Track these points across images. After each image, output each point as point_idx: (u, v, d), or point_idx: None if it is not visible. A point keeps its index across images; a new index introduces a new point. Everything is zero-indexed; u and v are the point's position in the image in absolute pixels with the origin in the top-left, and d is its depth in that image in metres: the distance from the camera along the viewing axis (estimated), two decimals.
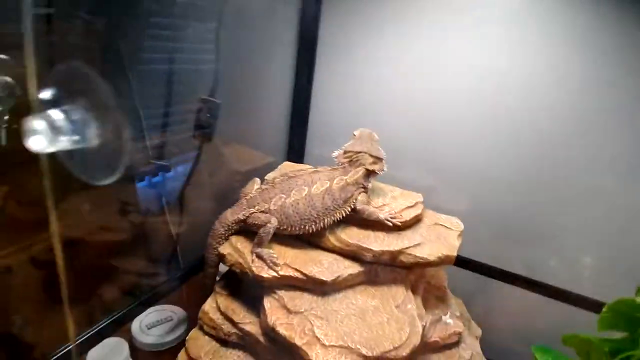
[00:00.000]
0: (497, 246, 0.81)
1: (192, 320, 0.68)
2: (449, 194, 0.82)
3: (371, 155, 0.63)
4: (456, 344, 0.62)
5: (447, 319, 0.64)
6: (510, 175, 0.79)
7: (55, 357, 0.48)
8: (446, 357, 0.60)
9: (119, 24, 0.65)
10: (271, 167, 0.76)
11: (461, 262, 0.80)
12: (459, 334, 0.62)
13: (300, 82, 0.89)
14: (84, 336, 0.50)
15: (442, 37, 0.79)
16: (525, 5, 0.73)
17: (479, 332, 0.72)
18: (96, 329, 0.51)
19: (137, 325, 0.66)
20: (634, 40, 0.66)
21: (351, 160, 0.64)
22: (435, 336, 0.60)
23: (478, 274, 0.79)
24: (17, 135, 0.39)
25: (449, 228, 0.66)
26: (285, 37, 0.89)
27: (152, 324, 0.67)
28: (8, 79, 0.43)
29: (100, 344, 0.56)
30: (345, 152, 0.65)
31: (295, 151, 0.88)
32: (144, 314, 0.67)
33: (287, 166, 0.76)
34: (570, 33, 0.71)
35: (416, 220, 0.65)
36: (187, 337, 0.58)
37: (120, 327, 0.55)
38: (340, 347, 0.48)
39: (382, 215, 0.61)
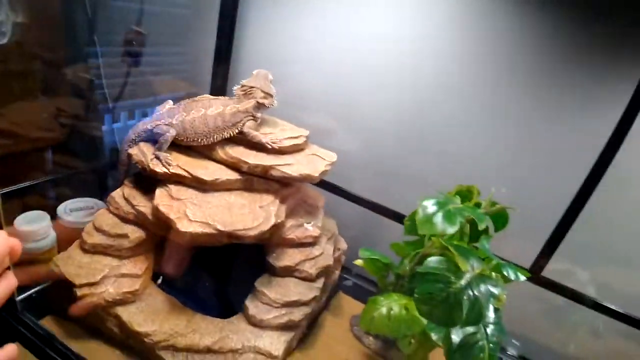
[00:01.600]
0: (377, 183, 0.99)
1: None
2: (344, 137, 0.99)
3: (262, 91, 0.78)
4: (311, 244, 0.80)
5: (308, 226, 0.81)
6: (392, 126, 0.95)
7: None
8: (300, 251, 0.78)
9: None
10: (192, 96, 0.90)
11: (343, 192, 0.98)
12: (315, 237, 0.80)
13: (225, 24, 1.00)
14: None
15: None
16: None
17: (344, 245, 0.91)
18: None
19: (63, 207, 0.82)
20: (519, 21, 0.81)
21: (245, 93, 0.78)
22: (292, 235, 0.78)
23: (356, 204, 0.98)
24: None
25: (322, 158, 0.82)
26: None
27: (75, 209, 0.83)
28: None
29: (25, 213, 0.72)
30: (242, 86, 0.79)
31: (218, 87, 1.02)
32: (69, 200, 0.83)
33: (203, 97, 0.90)
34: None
35: (296, 149, 0.81)
36: (96, 214, 0.74)
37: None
38: (202, 222, 0.65)
39: (265, 139, 0.76)
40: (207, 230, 0.65)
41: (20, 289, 0.71)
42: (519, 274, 0.64)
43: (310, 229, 0.81)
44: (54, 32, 0.87)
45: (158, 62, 0.92)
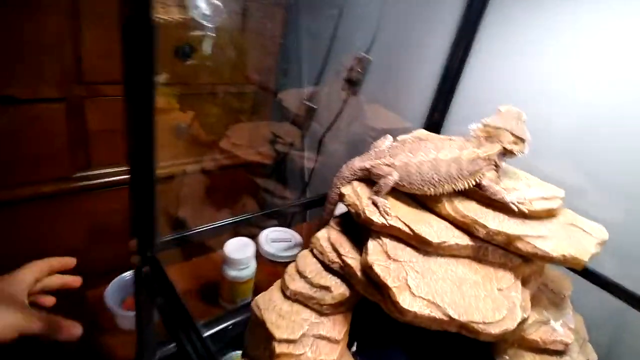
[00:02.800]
0: None
1: (306, 247, 0.78)
2: (598, 199, 0.71)
3: (513, 134, 0.60)
4: (559, 353, 0.57)
5: (556, 325, 0.58)
6: None
7: (200, 230, 0.63)
8: None
9: None
10: (406, 131, 0.78)
11: (597, 279, 0.70)
12: (566, 344, 0.56)
13: (454, 58, 0.87)
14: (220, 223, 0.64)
15: (612, 35, 0.67)
16: None
17: (594, 357, 0.64)
18: (236, 221, 0.65)
19: (264, 236, 0.79)
20: None
21: (488, 135, 0.61)
22: (536, 336, 0.56)
23: (614, 296, 0.68)
24: None
25: (587, 232, 0.59)
26: (448, 8, 0.87)
27: (274, 239, 0.79)
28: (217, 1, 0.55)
29: (235, 238, 0.70)
30: (484, 126, 0.63)
31: (434, 123, 0.87)
32: (270, 229, 0.80)
33: (422, 133, 0.77)
34: None
35: (548, 215, 0.60)
36: (298, 255, 0.67)
37: (249, 226, 0.68)
38: (429, 301, 0.50)
39: (509, 197, 0.58)
40: (435, 313, 0.49)
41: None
42: None
43: (560, 330, 0.58)
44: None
45: (376, 91, 0.83)
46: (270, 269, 0.76)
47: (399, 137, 0.73)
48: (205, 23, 0.57)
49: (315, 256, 0.66)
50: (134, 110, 0.45)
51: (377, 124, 0.81)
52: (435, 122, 0.87)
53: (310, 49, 0.89)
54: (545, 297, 0.61)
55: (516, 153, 0.60)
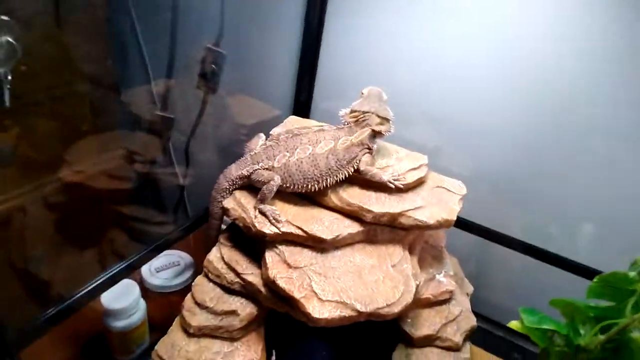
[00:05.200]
0: (497, 209, 0.82)
1: (199, 265, 0.72)
2: (455, 155, 0.82)
3: (378, 116, 0.62)
4: (447, 300, 0.65)
5: (440, 277, 0.66)
6: (518, 139, 0.77)
7: (72, 299, 0.52)
8: (437, 312, 0.64)
9: None
10: (277, 121, 0.75)
11: (460, 223, 0.82)
12: (451, 292, 0.65)
13: (309, 34, 0.85)
14: (97, 280, 0.54)
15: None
16: None
17: (470, 289, 0.75)
18: (109, 274, 0.55)
19: (147, 269, 0.70)
20: None
21: (357, 120, 0.63)
22: (427, 293, 0.63)
23: (476, 235, 0.81)
24: None
25: (451, 191, 0.66)
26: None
27: (160, 268, 0.71)
28: (9, 39, 0.41)
29: (114, 286, 0.60)
30: (351, 111, 0.63)
31: (302, 105, 0.86)
32: (154, 259, 0.71)
33: (293, 121, 0.75)
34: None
35: (419, 183, 0.65)
36: (193, 283, 0.61)
37: (131, 271, 0.59)
38: (337, 302, 0.51)
39: (385, 177, 0.61)
40: (345, 312, 0.51)
41: None
42: None
43: (444, 280, 0.66)
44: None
45: (237, 80, 0.77)
46: (164, 302, 0.68)
47: (272, 132, 0.70)
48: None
49: (211, 281, 0.61)
50: None
51: (246, 119, 0.75)
52: (303, 104, 0.86)
53: (151, 37, 0.76)
54: (428, 255, 0.69)
55: (384, 133, 0.63)
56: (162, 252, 0.64)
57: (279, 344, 0.63)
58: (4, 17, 0.42)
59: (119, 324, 0.61)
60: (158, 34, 0.77)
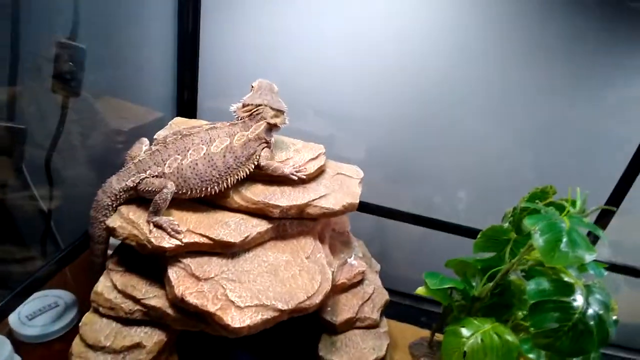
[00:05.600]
0: (389, 188, 0.88)
1: (83, 302, 0.61)
2: (346, 142, 0.85)
3: (272, 108, 0.60)
4: (360, 282, 0.68)
5: (351, 261, 0.68)
6: (398, 122, 0.84)
7: None
8: (353, 295, 0.66)
9: None
10: (160, 124, 0.68)
11: (361, 206, 0.85)
12: (363, 272, 0.68)
13: (185, 29, 0.78)
14: None
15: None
16: None
17: (378, 267, 0.80)
18: None
19: (16, 317, 0.56)
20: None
21: (251, 114, 0.60)
22: (342, 278, 0.64)
23: (375, 215, 0.86)
24: None
25: (350, 177, 0.68)
26: None
27: (33, 314, 0.58)
28: None
29: None
30: (244, 106, 0.60)
31: (186, 105, 0.79)
32: (21, 305, 0.57)
33: (179, 122, 0.69)
34: None
35: (320, 172, 0.66)
36: (80, 323, 0.51)
37: None
38: (256, 305, 0.48)
39: (287, 169, 0.60)
40: (267, 314, 0.48)
41: None
42: (601, 269, 0.60)
43: (355, 263, 0.68)
44: None
45: (103, 83, 0.66)
46: (44, 353, 0.56)
47: (157, 135, 0.62)
48: None
49: (104, 315, 0.52)
50: None
51: (122, 124, 0.65)
52: (187, 104, 0.79)
53: None
54: (337, 241, 0.70)
55: (279, 125, 0.61)
56: (31, 294, 0.52)
57: None
58: None
59: None
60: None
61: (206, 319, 0.48)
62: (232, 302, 0.48)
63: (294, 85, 0.82)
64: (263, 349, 0.64)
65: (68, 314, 0.59)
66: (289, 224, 0.60)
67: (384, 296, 0.69)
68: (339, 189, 0.64)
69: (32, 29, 0.55)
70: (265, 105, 0.60)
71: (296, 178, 0.60)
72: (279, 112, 0.61)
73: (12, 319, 0.56)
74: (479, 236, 0.62)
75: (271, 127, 0.61)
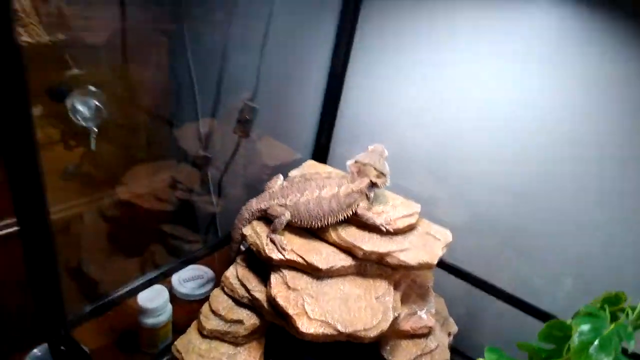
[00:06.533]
0: (485, 257, 0.90)
1: (218, 280, 0.85)
2: (449, 205, 0.91)
3: (376, 169, 0.74)
4: (426, 335, 0.74)
5: (422, 314, 0.75)
6: (508, 194, 0.86)
7: (115, 295, 0.66)
8: (414, 344, 0.73)
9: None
10: (297, 163, 0.89)
11: (451, 268, 0.91)
12: (430, 327, 0.74)
13: (332, 85, 0.99)
14: (136, 283, 0.68)
15: (469, 62, 0.86)
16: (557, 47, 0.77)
17: (454, 328, 0.83)
18: (146, 279, 0.69)
19: (177, 278, 0.84)
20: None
21: (359, 170, 0.75)
22: (407, 326, 0.72)
23: (466, 282, 0.89)
24: None
25: (437, 239, 0.76)
26: (322, 41, 0.99)
27: (187, 279, 0.85)
28: (97, 103, 0.59)
29: (148, 288, 0.74)
30: (355, 162, 0.76)
31: (321, 149, 1.00)
32: (182, 270, 0.85)
33: (310, 165, 0.89)
34: (581, 71, 0.75)
35: (409, 228, 0.76)
36: (211, 294, 0.74)
37: (164, 278, 0.73)
38: (322, 321, 0.62)
39: (379, 220, 0.72)
40: (327, 331, 0.62)
41: None
42: None
43: (425, 317, 0.75)
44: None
45: (265, 127, 0.92)
46: (187, 308, 0.82)
47: (290, 173, 0.84)
48: (87, 124, 0.60)
49: (226, 293, 0.74)
50: (13, 151, 0.44)
51: (271, 161, 0.90)
52: (322, 149, 0.99)
53: (201, 81, 0.94)
54: (414, 292, 0.78)
55: (380, 185, 0.75)
56: (190, 265, 0.78)
57: (275, 355, 0.74)
58: (93, 88, 0.60)
59: (150, 321, 0.74)
60: (208, 83, 0.95)
61: (286, 319, 0.64)
62: (306, 312, 0.63)
63: (412, 143, 0.95)
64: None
65: (207, 285, 0.85)
66: (369, 266, 0.72)
67: (445, 355, 0.74)
68: (422, 246, 0.73)
69: (229, 92, 0.84)
70: (371, 166, 0.74)
71: (384, 230, 0.72)
72: (382, 174, 0.74)
73: (174, 279, 0.84)
74: (544, 327, 0.62)
75: (373, 185, 0.75)
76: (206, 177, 0.81)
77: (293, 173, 0.84)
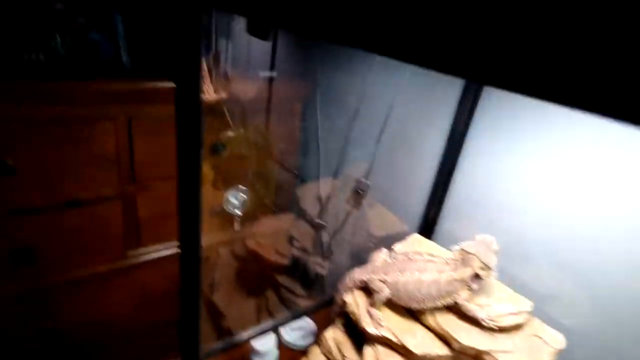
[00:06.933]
0: None
1: (318, 334, 0.93)
2: (570, 305, 0.83)
3: (481, 261, 0.73)
4: None
5: None
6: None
7: (239, 338, 0.79)
8: None
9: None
10: (403, 236, 0.92)
11: None
12: None
13: (445, 169, 1.01)
14: (253, 328, 0.80)
15: (588, 162, 0.80)
16: None
17: None
18: (261, 326, 0.81)
19: (286, 328, 0.95)
20: None
21: (464, 259, 0.75)
22: None
23: None
24: None
25: (547, 343, 0.70)
26: (438, 126, 1.02)
27: (293, 328, 0.95)
28: (244, 197, 0.73)
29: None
30: (461, 250, 0.76)
31: (428, 223, 1.01)
32: (292, 322, 0.96)
33: (415, 239, 0.91)
34: None
35: (515, 328, 0.72)
36: (309, 349, 0.82)
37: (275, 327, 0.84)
38: None
39: (480, 314, 0.71)
40: None
41: None
42: None
43: None
44: None
45: (377, 196, 0.99)
46: (289, 354, 0.91)
47: (394, 247, 0.88)
48: (234, 212, 0.76)
49: (322, 353, 0.80)
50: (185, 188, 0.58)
51: (377, 231, 0.96)
52: (430, 220, 1.01)
53: (326, 145, 1.06)
54: None
55: (483, 278, 0.73)
56: (299, 317, 0.87)
57: None
58: (243, 187, 0.75)
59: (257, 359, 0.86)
60: (331, 150, 1.07)
61: None
62: None
63: (524, 237, 0.90)
64: None
65: (308, 338, 0.93)
66: (465, 358, 0.71)
67: None
68: (527, 350, 0.69)
69: (348, 159, 0.93)
70: (477, 257, 0.74)
71: (486, 325, 0.70)
72: (486, 267, 0.73)
73: (283, 328, 0.94)
74: None
75: (476, 276, 0.74)
76: (319, 239, 0.91)
77: (397, 247, 0.87)
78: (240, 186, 0.77)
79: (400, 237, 0.91)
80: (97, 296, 1.25)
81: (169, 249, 1.33)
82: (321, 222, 0.90)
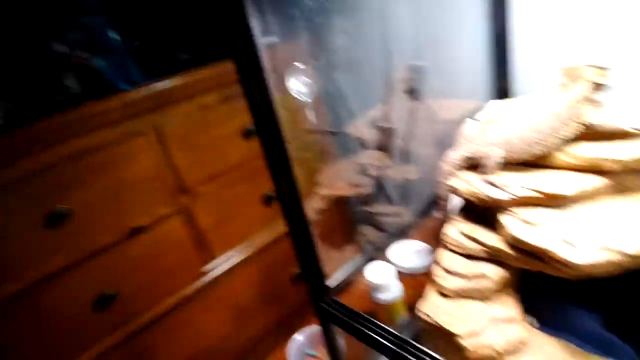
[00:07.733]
0: None
1: (433, 250, 0.81)
2: None
3: (594, 66, 0.61)
4: None
5: None
6: None
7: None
8: None
9: None
10: (478, 109, 0.80)
11: None
12: None
13: (497, 24, 0.88)
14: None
15: None
16: None
17: None
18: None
19: (393, 255, 0.83)
20: None
21: (572, 76, 0.62)
22: None
23: None
24: None
25: None
26: None
27: (406, 254, 0.83)
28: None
29: (371, 265, 0.75)
30: (564, 70, 0.64)
31: (499, 91, 0.89)
32: (394, 247, 0.85)
33: (495, 104, 0.79)
34: None
35: None
36: (436, 255, 0.70)
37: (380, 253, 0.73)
38: (598, 247, 0.50)
39: (623, 125, 0.58)
40: (610, 257, 0.50)
41: None
42: None
43: None
44: None
45: (434, 90, 0.88)
46: (411, 283, 0.79)
47: (477, 116, 0.76)
48: (303, 98, 0.68)
49: (453, 251, 0.68)
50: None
51: (448, 114, 0.84)
52: (500, 90, 0.88)
53: (366, 68, 0.96)
54: None
55: (604, 84, 0.60)
56: (402, 237, 0.76)
57: (538, 314, 0.63)
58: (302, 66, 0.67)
59: (383, 296, 0.74)
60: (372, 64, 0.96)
61: (543, 257, 0.55)
62: (570, 243, 0.52)
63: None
64: (612, 310, 0.62)
65: (427, 257, 0.81)
66: (631, 178, 0.57)
67: None
68: None
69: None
70: (585, 65, 0.61)
71: (635, 132, 0.57)
72: (602, 69, 0.60)
73: (392, 258, 0.83)
74: None
75: (596, 87, 0.61)
76: (392, 146, 0.80)
77: (481, 115, 0.75)
78: (298, 65, 0.67)
79: (475, 111, 0.79)
80: (192, 320, 1.18)
81: (241, 254, 1.25)
82: (385, 125, 0.79)
